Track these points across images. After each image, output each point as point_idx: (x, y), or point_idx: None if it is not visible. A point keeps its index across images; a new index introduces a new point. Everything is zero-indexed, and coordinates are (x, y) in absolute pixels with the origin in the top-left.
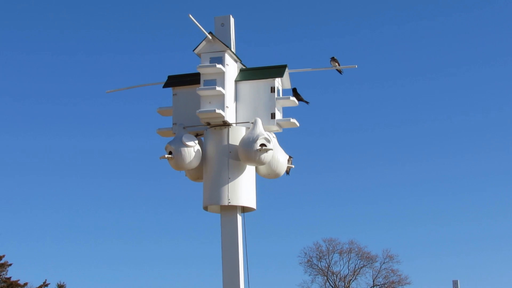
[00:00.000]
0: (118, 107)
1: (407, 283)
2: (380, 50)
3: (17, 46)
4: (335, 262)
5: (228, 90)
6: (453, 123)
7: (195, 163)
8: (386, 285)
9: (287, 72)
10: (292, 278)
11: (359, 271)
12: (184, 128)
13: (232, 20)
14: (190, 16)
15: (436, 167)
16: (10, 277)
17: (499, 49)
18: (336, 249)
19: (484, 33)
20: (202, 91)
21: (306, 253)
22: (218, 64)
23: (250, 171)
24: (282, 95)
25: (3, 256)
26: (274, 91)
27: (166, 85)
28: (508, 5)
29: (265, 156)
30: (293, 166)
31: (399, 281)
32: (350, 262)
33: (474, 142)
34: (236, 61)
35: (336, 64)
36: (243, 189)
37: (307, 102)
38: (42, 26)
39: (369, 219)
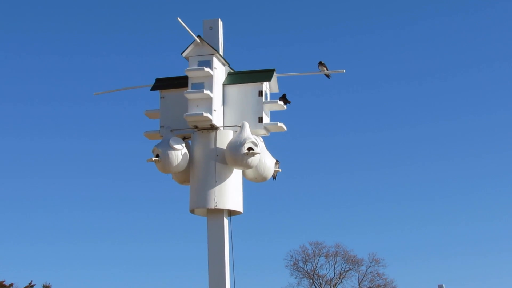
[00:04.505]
0: (106, 109)
1: (393, 287)
2: (368, 54)
3: (3, 47)
4: (321, 265)
5: (216, 93)
6: (441, 127)
7: (182, 166)
8: None
9: (275, 76)
10: (278, 281)
11: (345, 274)
12: (171, 131)
13: (220, 23)
14: (179, 19)
15: (423, 171)
16: None
17: (488, 52)
18: (322, 252)
19: (474, 36)
20: (190, 94)
21: (292, 256)
22: (206, 67)
23: (237, 174)
24: (270, 99)
25: None
26: (261, 95)
27: (154, 88)
28: (500, 6)
29: (252, 160)
30: (280, 170)
31: (384, 284)
32: (336, 266)
33: (461, 146)
34: (224, 65)
35: (324, 68)
36: (230, 193)
37: (288, 102)
38: (29, 28)
39: (355, 222)
